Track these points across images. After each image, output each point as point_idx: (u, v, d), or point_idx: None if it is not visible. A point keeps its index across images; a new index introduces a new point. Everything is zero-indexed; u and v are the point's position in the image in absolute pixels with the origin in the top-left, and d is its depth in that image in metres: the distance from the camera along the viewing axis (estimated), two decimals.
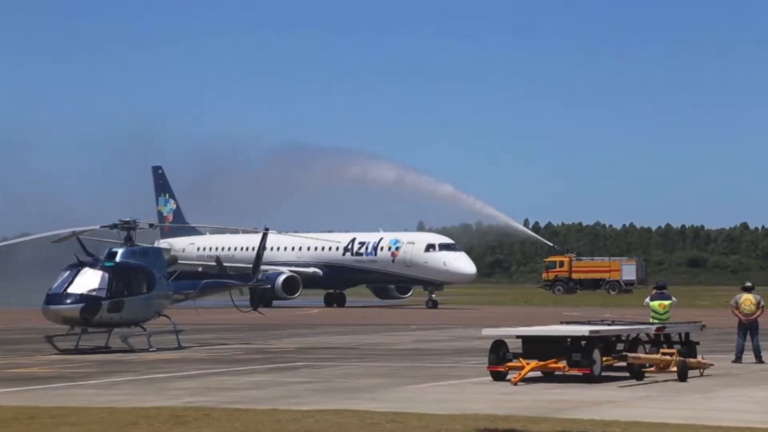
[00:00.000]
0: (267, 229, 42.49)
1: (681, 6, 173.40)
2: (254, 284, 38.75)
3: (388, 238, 70.47)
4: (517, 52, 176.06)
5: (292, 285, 69.67)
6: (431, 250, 67.09)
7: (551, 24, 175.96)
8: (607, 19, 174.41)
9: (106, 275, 32.48)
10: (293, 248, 72.65)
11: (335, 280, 72.19)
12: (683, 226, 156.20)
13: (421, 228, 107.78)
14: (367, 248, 70.01)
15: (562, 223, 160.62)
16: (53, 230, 36.75)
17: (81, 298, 32.05)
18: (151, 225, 37.83)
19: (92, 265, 32.74)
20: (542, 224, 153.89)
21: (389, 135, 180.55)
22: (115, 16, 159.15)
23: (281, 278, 69.32)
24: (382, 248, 69.35)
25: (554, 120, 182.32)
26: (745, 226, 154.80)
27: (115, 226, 34.76)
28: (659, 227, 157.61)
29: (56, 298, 32.23)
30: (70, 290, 32.17)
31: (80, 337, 32.59)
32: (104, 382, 23.62)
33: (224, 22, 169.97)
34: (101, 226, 36.16)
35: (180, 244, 76.89)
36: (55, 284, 32.61)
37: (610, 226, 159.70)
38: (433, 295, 67.09)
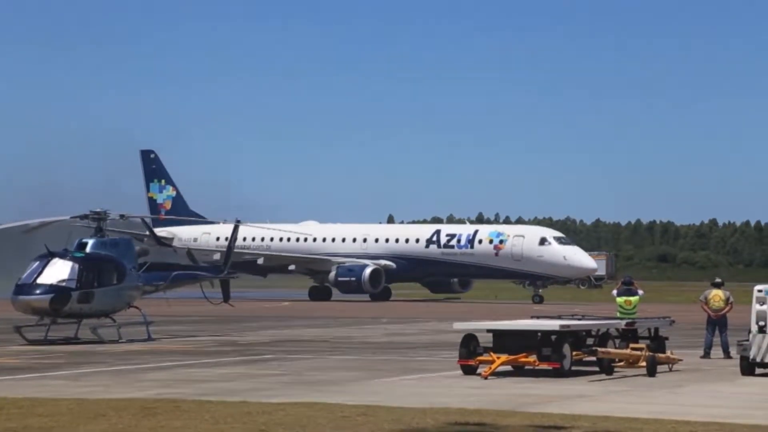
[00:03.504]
0: (238, 221, 42.35)
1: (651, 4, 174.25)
2: (225, 276, 38.64)
3: (485, 230, 68.02)
4: (488, 46, 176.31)
5: (377, 278, 66.72)
6: (545, 243, 64.76)
7: (526, 16, 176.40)
8: (583, 12, 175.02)
9: (76, 266, 32.35)
10: (354, 239, 69.32)
11: (415, 273, 68.94)
12: (653, 222, 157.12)
13: (391, 220, 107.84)
14: (459, 241, 66.83)
15: (535, 218, 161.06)
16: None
17: (50, 288, 31.90)
18: (122, 216, 37.63)
19: (62, 256, 32.61)
20: (513, 219, 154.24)
21: (363, 126, 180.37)
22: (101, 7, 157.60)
23: (368, 271, 66.23)
24: (480, 241, 66.32)
25: (525, 114, 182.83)
26: (713, 222, 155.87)
27: (85, 216, 34.60)
28: (629, 222, 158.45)
29: (26, 288, 32.07)
30: (39, 281, 32.02)
31: (49, 327, 32.44)
32: (73, 373, 23.51)
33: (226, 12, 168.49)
34: (71, 217, 35.97)
35: (189, 233, 71.54)
36: (25, 274, 32.47)
37: (581, 221, 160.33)
38: (540, 291, 65.61)
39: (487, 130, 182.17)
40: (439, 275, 69.47)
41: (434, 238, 67.88)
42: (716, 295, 28.82)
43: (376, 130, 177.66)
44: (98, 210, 34.44)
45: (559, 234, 68.02)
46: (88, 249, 33.12)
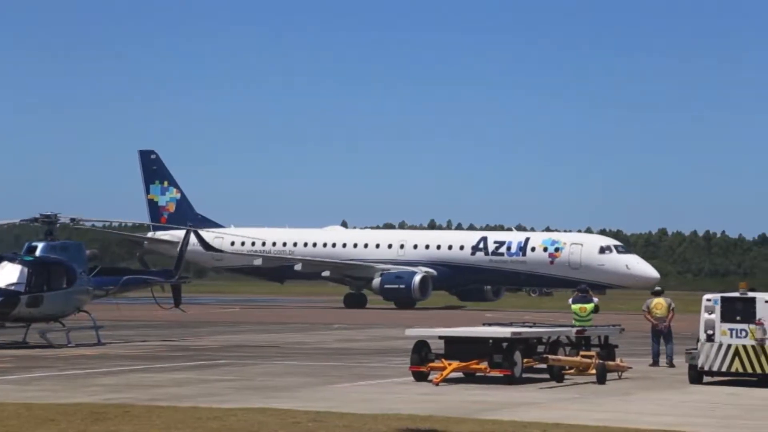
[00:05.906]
0: (191, 226, 42.25)
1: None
2: (176, 281, 38.47)
3: (538, 237, 66.62)
4: (439, 50, 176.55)
5: (426, 285, 64.73)
6: (606, 252, 63.39)
7: (503, 23, 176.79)
8: (557, 23, 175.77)
9: (26, 270, 32.09)
10: (389, 245, 67.24)
11: (459, 281, 66.91)
12: (603, 230, 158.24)
13: (345, 225, 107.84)
14: (509, 248, 65.06)
15: (486, 225, 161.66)
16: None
17: None
18: (72, 219, 37.33)
19: (11, 260, 32.35)
20: (465, 227, 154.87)
21: (320, 132, 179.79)
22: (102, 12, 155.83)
23: (417, 278, 63.68)
24: (533, 249, 64.59)
25: (478, 122, 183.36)
26: (663, 231, 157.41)
27: (35, 220, 34.35)
28: (579, 231, 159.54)
29: None
30: None
31: None
32: (22, 377, 23.31)
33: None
34: (21, 220, 35.68)
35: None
36: None
37: (532, 228, 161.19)
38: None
39: (444, 136, 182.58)
40: (487, 283, 67.88)
41: (481, 245, 66.07)
42: (658, 303, 29.16)
43: (329, 136, 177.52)
44: (48, 213, 34.18)
45: (617, 242, 66.92)
46: (37, 253, 32.86)
